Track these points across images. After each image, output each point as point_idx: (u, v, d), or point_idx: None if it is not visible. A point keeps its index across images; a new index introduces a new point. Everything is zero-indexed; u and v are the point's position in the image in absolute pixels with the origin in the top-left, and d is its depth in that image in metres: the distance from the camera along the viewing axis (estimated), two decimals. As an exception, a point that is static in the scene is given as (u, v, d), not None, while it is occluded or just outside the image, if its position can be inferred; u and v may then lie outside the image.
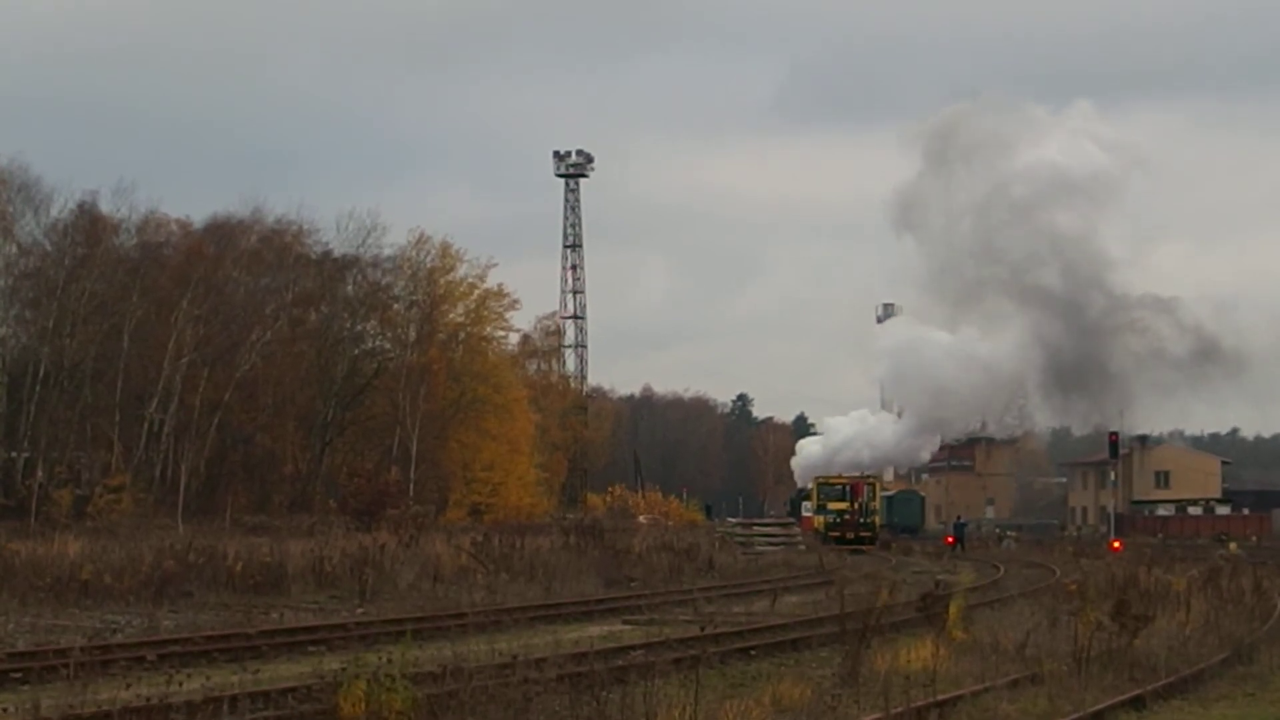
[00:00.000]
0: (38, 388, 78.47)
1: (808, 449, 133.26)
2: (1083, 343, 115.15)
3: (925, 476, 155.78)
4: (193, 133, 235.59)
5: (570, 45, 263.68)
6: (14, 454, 79.41)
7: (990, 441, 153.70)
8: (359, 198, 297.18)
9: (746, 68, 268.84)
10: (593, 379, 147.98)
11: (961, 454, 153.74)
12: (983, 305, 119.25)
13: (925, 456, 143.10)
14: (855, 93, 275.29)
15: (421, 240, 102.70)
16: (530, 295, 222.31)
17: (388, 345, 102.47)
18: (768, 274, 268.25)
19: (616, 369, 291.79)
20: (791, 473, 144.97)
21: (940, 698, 18.58)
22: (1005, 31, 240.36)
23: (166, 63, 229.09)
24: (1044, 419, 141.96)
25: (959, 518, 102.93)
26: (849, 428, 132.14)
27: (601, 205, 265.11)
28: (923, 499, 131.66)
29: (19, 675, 20.56)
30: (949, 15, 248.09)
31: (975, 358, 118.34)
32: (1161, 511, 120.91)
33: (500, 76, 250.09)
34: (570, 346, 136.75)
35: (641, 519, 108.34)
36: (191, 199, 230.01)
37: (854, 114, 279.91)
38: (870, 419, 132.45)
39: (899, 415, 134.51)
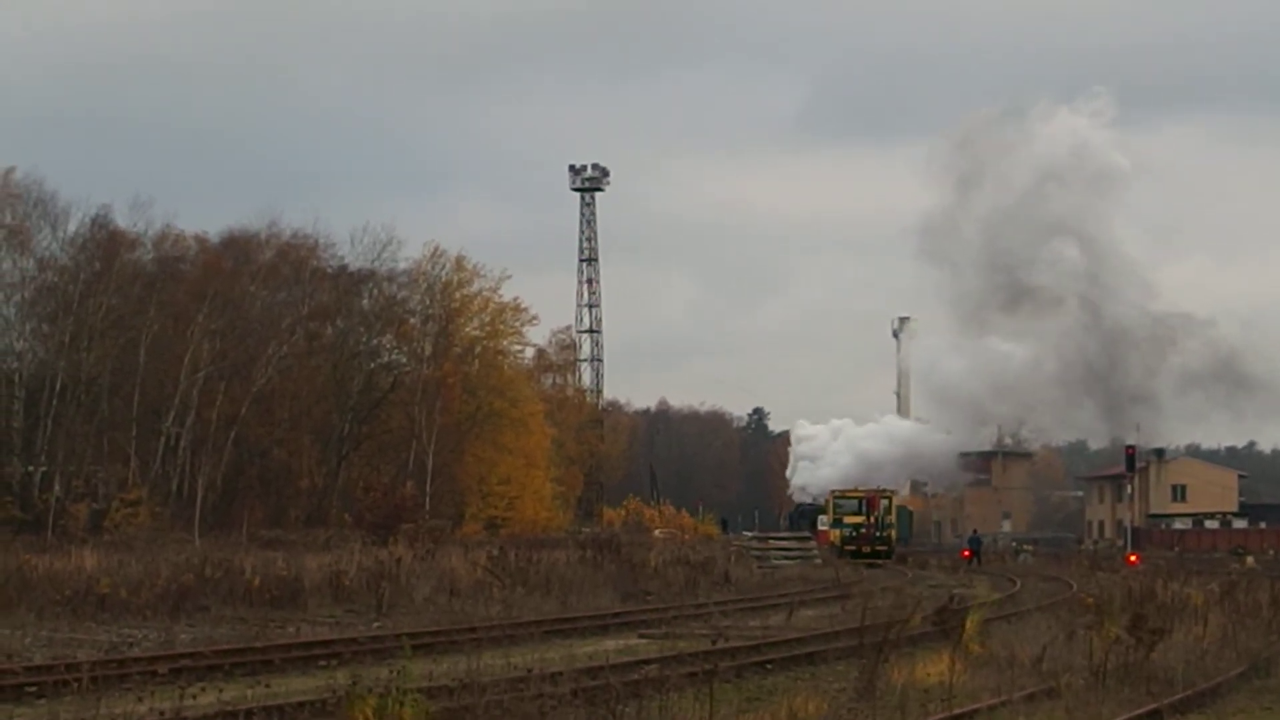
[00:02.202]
0: (55, 402, 78.60)
1: (825, 472, 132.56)
2: (1105, 355, 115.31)
3: (939, 491, 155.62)
4: (212, 147, 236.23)
5: (595, 62, 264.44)
6: (31, 468, 79.53)
7: (1007, 455, 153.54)
8: (379, 212, 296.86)
9: (771, 84, 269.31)
10: (609, 393, 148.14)
11: (978, 467, 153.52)
12: (1009, 316, 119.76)
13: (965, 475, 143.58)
14: (878, 108, 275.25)
15: (437, 254, 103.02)
16: (551, 309, 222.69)
17: (403, 359, 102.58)
18: (787, 288, 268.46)
19: (635, 383, 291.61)
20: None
21: (957, 711, 18.55)
22: (1025, 46, 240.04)
23: (187, 77, 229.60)
24: (1063, 431, 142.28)
25: (974, 531, 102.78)
26: (880, 444, 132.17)
27: (625, 220, 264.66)
28: (911, 513, 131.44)
29: (34, 689, 20.58)
30: (969, 30, 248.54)
31: (1004, 368, 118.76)
32: (1178, 525, 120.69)
33: (524, 92, 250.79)
34: (586, 360, 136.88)
35: (657, 533, 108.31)
36: (210, 213, 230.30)
37: (877, 129, 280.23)
38: (924, 435, 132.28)
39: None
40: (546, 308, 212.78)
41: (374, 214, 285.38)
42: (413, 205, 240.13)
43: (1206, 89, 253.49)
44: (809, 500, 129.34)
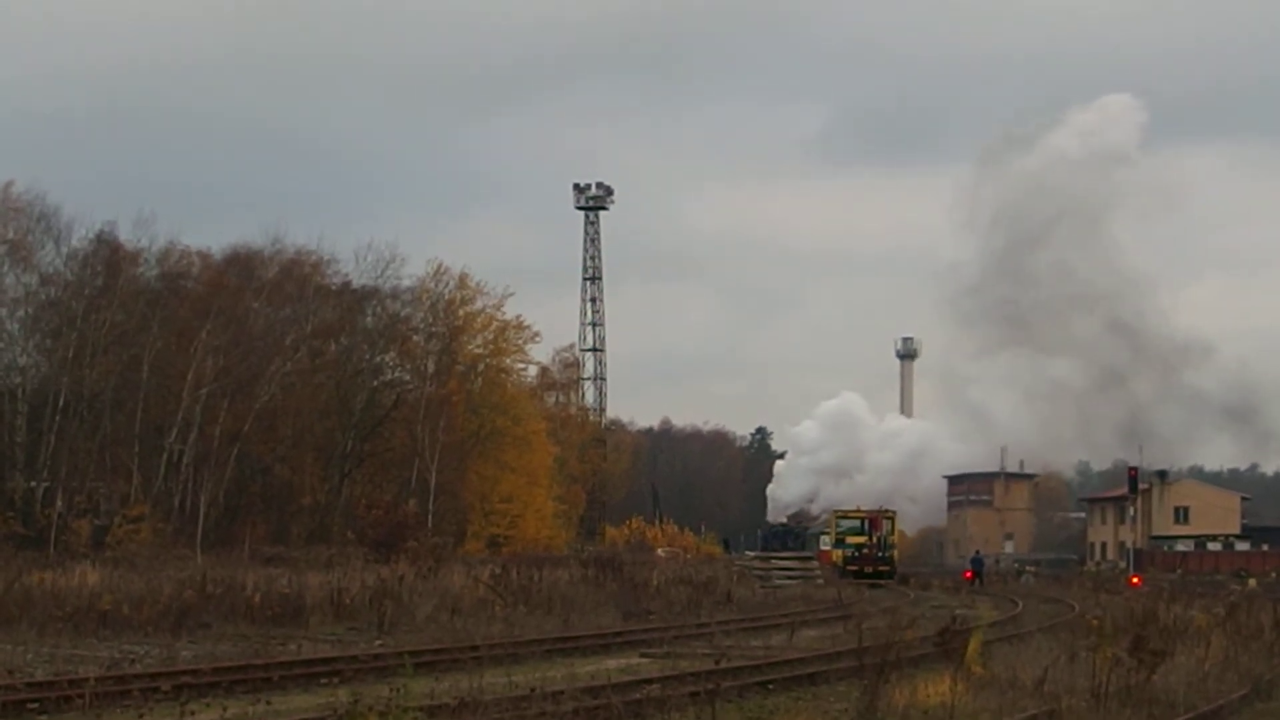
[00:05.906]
0: (57, 417, 78.61)
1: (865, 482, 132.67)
2: (1122, 374, 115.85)
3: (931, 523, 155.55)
4: (218, 163, 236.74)
5: (614, 83, 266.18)
6: (33, 483, 79.50)
7: (1010, 476, 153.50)
8: (389, 232, 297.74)
9: (790, 111, 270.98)
10: (612, 411, 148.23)
11: (980, 488, 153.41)
12: (1023, 336, 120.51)
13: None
14: (895, 134, 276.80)
15: (440, 271, 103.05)
16: (562, 329, 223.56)
17: (406, 377, 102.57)
18: (797, 310, 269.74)
19: (637, 402, 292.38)
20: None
21: (957, 733, 18.52)
22: (1043, 74, 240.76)
23: (196, 88, 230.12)
24: (1077, 450, 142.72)
25: (977, 552, 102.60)
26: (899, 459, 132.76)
27: (635, 240, 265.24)
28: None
29: (35, 705, 20.56)
30: (987, 58, 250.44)
31: (1019, 386, 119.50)
32: (1181, 547, 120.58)
33: (542, 116, 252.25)
34: (589, 379, 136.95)
35: (660, 552, 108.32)
36: (214, 230, 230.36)
37: (893, 155, 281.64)
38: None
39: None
40: (557, 328, 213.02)
41: (380, 233, 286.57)
42: (436, 226, 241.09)
43: (1228, 116, 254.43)
44: (782, 520, 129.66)
